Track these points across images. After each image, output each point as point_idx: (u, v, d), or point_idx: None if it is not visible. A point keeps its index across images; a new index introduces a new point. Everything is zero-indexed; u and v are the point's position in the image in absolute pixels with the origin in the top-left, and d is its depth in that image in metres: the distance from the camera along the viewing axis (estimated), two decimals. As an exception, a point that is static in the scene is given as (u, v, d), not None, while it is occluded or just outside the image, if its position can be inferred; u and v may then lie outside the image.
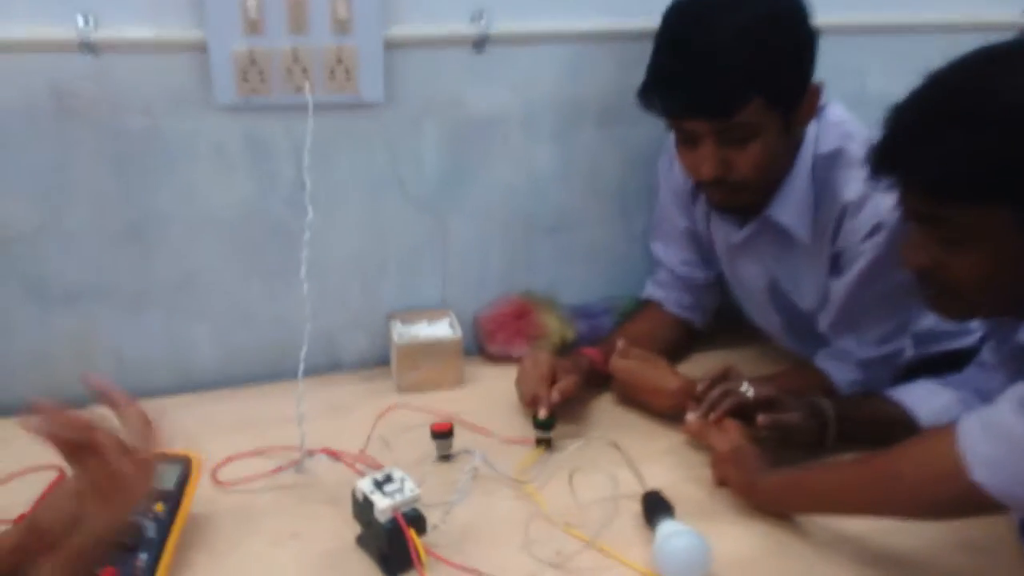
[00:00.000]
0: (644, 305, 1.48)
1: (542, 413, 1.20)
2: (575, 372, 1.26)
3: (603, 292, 1.54)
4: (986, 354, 1.18)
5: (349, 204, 1.34)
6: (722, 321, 1.51)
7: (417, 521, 0.96)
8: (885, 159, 0.90)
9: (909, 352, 1.29)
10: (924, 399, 1.20)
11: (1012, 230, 0.83)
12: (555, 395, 1.21)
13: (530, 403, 1.24)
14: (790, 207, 1.21)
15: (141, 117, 1.20)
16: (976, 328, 1.30)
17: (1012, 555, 1.02)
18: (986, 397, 1.15)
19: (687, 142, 1.16)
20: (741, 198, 1.21)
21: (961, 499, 0.87)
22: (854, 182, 1.17)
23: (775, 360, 1.42)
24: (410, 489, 0.97)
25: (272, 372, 1.35)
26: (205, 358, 1.36)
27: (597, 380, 1.33)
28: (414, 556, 0.93)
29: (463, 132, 1.36)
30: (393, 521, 0.95)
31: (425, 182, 1.37)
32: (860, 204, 1.17)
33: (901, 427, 1.18)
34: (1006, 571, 1.01)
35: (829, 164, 1.20)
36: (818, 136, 1.21)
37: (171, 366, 1.34)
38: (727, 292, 1.47)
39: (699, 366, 1.42)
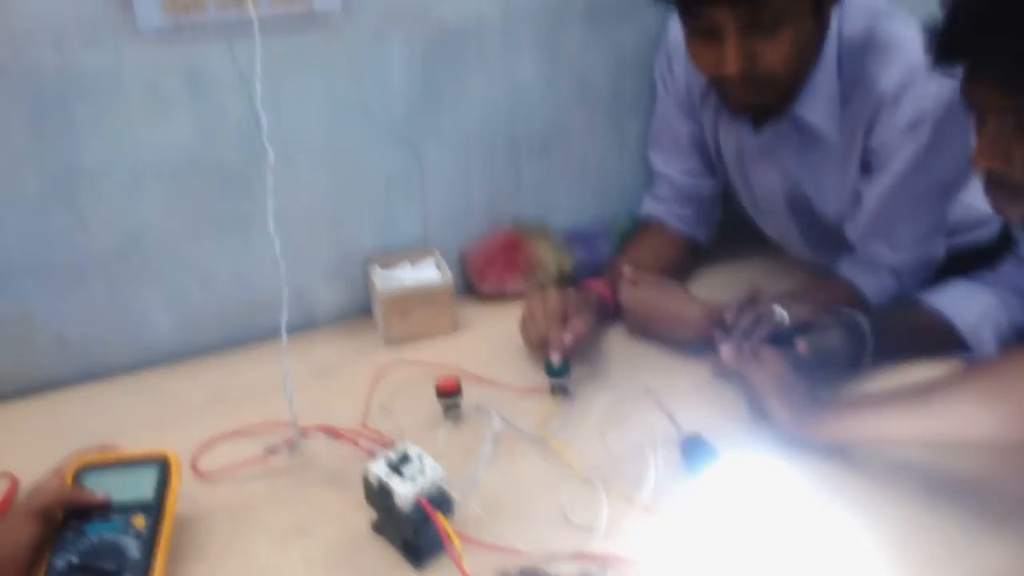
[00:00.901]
0: (644, 224, 1.35)
1: (556, 358, 1.06)
2: (587, 311, 1.13)
3: (597, 212, 1.41)
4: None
5: (309, 139, 1.17)
6: (725, 232, 1.39)
7: (444, 503, 0.84)
8: (953, 44, 0.78)
9: (941, 253, 1.18)
10: (961, 303, 1.11)
11: None
12: (568, 338, 1.07)
13: (538, 346, 1.12)
14: (818, 103, 1.08)
15: (51, 53, 1.00)
16: (994, 219, 1.21)
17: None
18: (1025, 295, 1.09)
19: (704, 35, 1.01)
20: (766, 96, 1.07)
21: None
22: (889, 69, 1.04)
23: (787, 271, 1.32)
24: (432, 468, 0.84)
25: (238, 336, 1.21)
26: (160, 329, 1.18)
27: (606, 314, 1.21)
28: (447, 544, 0.81)
29: (434, 44, 1.19)
30: (418, 508, 0.82)
31: (394, 106, 1.20)
32: (898, 95, 1.04)
33: (939, 335, 1.10)
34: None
35: (858, 49, 1.06)
36: (842, 17, 1.07)
37: (122, 342, 1.17)
38: (732, 201, 1.35)
39: (707, 284, 1.32)
